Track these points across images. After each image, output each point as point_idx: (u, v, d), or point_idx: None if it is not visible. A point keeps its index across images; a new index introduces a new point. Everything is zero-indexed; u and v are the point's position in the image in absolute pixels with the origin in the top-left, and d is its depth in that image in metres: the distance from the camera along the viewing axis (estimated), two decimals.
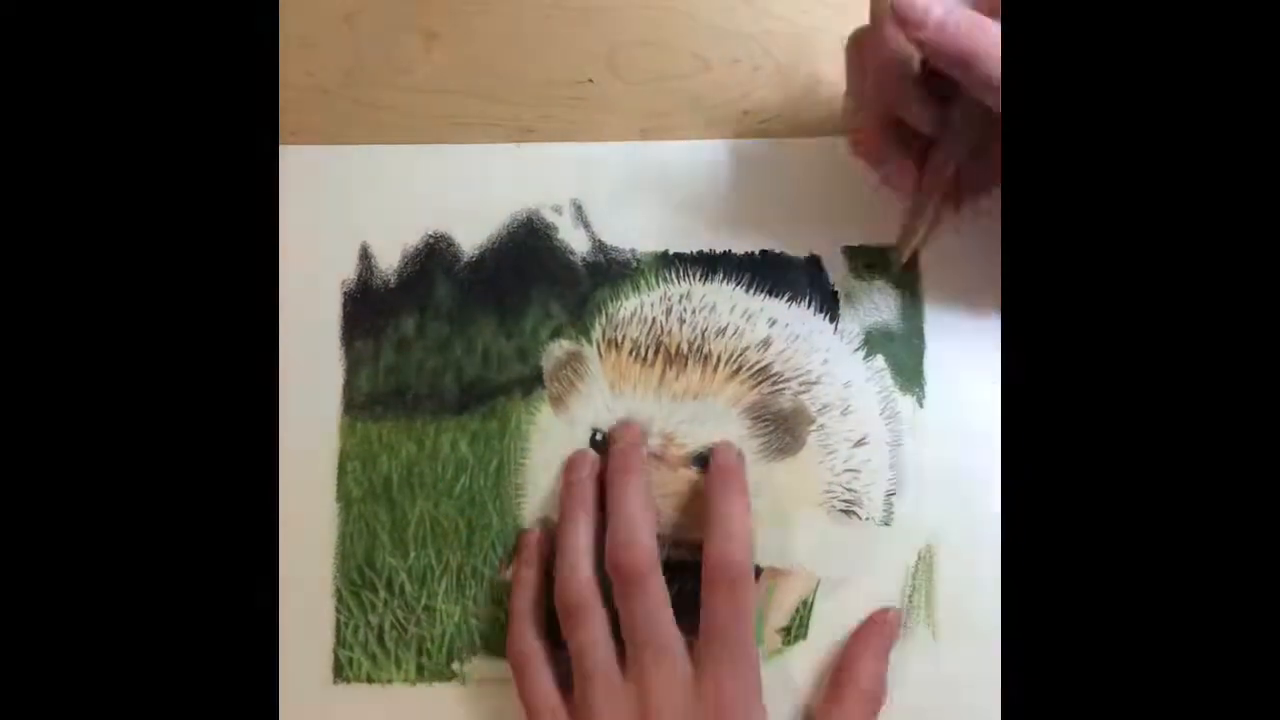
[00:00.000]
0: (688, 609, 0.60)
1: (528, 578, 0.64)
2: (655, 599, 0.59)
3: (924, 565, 0.64)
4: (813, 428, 0.65)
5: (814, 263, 0.67)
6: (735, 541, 0.60)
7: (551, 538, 0.64)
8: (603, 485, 0.64)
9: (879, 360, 0.66)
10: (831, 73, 0.70)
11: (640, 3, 0.71)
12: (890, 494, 0.65)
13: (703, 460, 0.65)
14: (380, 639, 0.65)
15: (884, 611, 0.64)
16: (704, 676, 0.58)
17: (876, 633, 0.64)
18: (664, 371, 0.65)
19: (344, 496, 0.66)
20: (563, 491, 0.64)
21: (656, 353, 0.66)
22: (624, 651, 0.59)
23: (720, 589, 0.59)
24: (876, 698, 0.62)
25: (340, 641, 0.65)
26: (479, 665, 0.64)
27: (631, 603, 0.59)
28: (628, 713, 0.58)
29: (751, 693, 0.59)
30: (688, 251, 0.68)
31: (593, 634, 0.59)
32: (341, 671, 0.64)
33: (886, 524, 0.65)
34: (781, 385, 0.65)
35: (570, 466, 0.65)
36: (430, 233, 0.68)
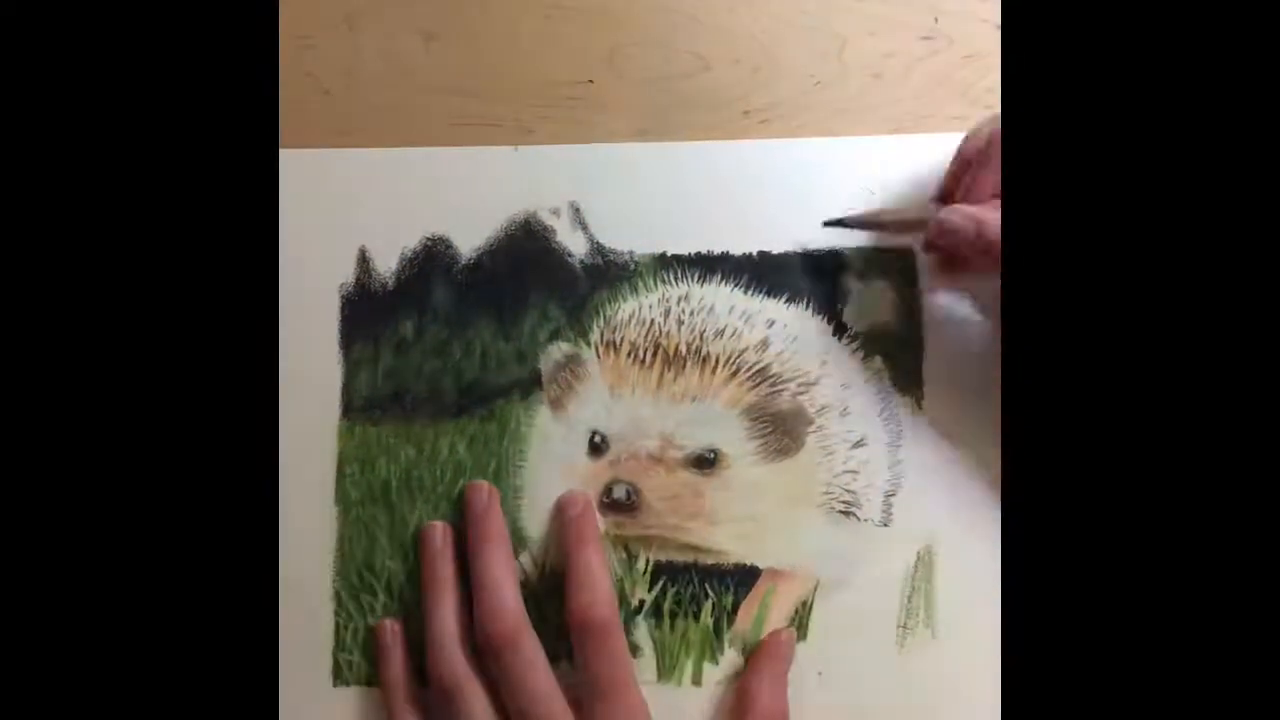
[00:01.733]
0: (685, 613, 0.61)
1: (394, 677, 0.63)
2: (527, 660, 0.59)
3: (923, 566, 0.64)
4: (811, 429, 0.65)
5: (812, 264, 0.67)
6: (596, 594, 0.60)
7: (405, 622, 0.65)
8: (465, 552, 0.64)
9: (877, 361, 0.66)
10: (831, 73, 0.69)
11: (640, 3, 0.71)
12: (889, 495, 0.65)
13: (701, 462, 0.65)
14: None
15: (777, 633, 0.64)
16: None
17: (772, 656, 0.64)
18: (662, 373, 0.65)
19: (343, 500, 0.66)
20: (421, 570, 0.64)
21: (655, 354, 0.66)
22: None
23: (590, 644, 0.59)
24: (780, 718, 0.63)
25: (339, 644, 0.65)
26: None
27: (506, 671, 0.59)
28: None
29: None
30: (685, 253, 0.68)
31: (473, 712, 0.59)
32: (340, 674, 0.65)
33: (885, 525, 0.65)
34: (780, 386, 0.65)
35: (423, 542, 0.65)
36: (428, 235, 0.68)
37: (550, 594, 0.64)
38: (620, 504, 0.64)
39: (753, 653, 0.64)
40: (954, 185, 0.63)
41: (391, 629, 0.64)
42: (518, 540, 0.65)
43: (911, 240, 0.66)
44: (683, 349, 0.66)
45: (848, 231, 0.67)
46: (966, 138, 0.62)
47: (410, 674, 0.63)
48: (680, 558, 0.65)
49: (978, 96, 0.70)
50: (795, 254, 0.67)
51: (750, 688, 0.63)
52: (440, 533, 0.64)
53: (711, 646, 0.64)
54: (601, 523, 0.65)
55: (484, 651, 0.59)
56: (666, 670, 0.64)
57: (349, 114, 0.71)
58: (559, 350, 0.67)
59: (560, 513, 0.64)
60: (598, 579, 0.61)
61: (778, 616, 0.64)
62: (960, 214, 0.60)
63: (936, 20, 0.70)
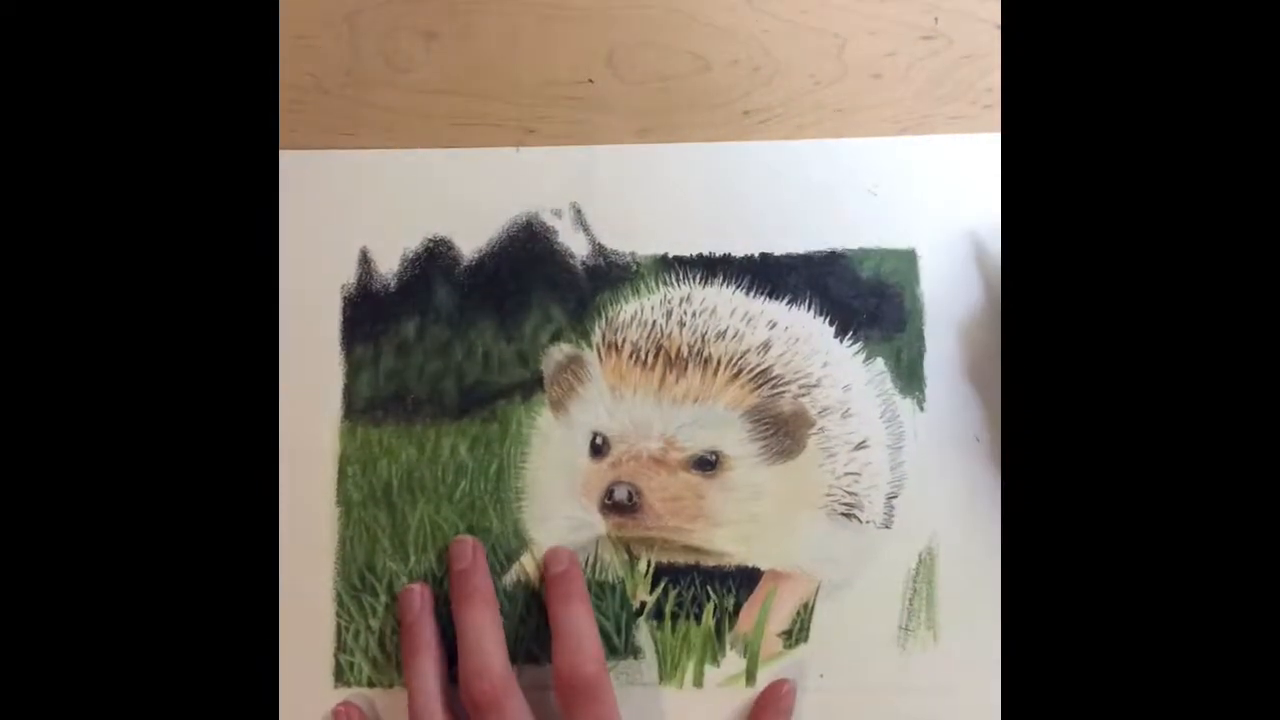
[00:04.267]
0: (687, 615, 0.62)
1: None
2: None
3: (924, 568, 0.64)
4: (813, 431, 0.65)
5: (814, 266, 0.67)
6: (584, 653, 0.59)
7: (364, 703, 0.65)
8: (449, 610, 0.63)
9: (879, 363, 0.66)
10: (831, 72, 0.69)
11: (640, 3, 0.71)
12: (891, 497, 0.65)
13: (703, 463, 0.65)
14: (381, 643, 0.65)
15: (779, 684, 0.64)
16: None
17: (773, 709, 0.63)
18: (664, 375, 0.65)
19: (344, 501, 0.66)
20: (400, 634, 0.64)
21: (656, 356, 0.66)
22: None
23: (579, 703, 0.59)
24: None
25: (341, 646, 0.65)
26: None
27: None
28: None
29: None
30: (687, 255, 0.68)
31: None
32: (342, 675, 0.64)
33: (887, 527, 0.65)
34: (782, 388, 0.65)
35: (401, 607, 0.64)
36: (430, 237, 0.68)
37: None
38: (622, 505, 0.64)
39: (755, 703, 0.64)
40: None
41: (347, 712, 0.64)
42: (519, 542, 0.65)
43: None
44: (684, 350, 0.66)
45: (848, 232, 0.67)
46: None
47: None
48: (682, 559, 0.65)
49: (978, 96, 0.70)
50: (797, 256, 0.67)
51: None
52: (418, 596, 0.64)
53: (713, 648, 0.64)
54: (603, 524, 0.65)
55: (470, 712, 0.59)
56: (668, 672, 0.64)
57: (349, 114, 0.70)
58: (560, 351, 0.67)
59: (545, 569, 0.64)
60: (585, 636, 0.60)
61: (779, 619, 0.64)
62: None
63: (936, 20, 0.70)
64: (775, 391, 0.65)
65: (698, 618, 0.64)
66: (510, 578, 0.65)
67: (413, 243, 0.68)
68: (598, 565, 0.64)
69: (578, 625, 0.60)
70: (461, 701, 0.59)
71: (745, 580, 0.65)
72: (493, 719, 0.58)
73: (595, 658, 0.59)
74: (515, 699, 0.59)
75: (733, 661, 0.64)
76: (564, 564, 0.64)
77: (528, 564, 0.65)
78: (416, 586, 0.64)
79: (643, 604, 0.65)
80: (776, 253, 0.67)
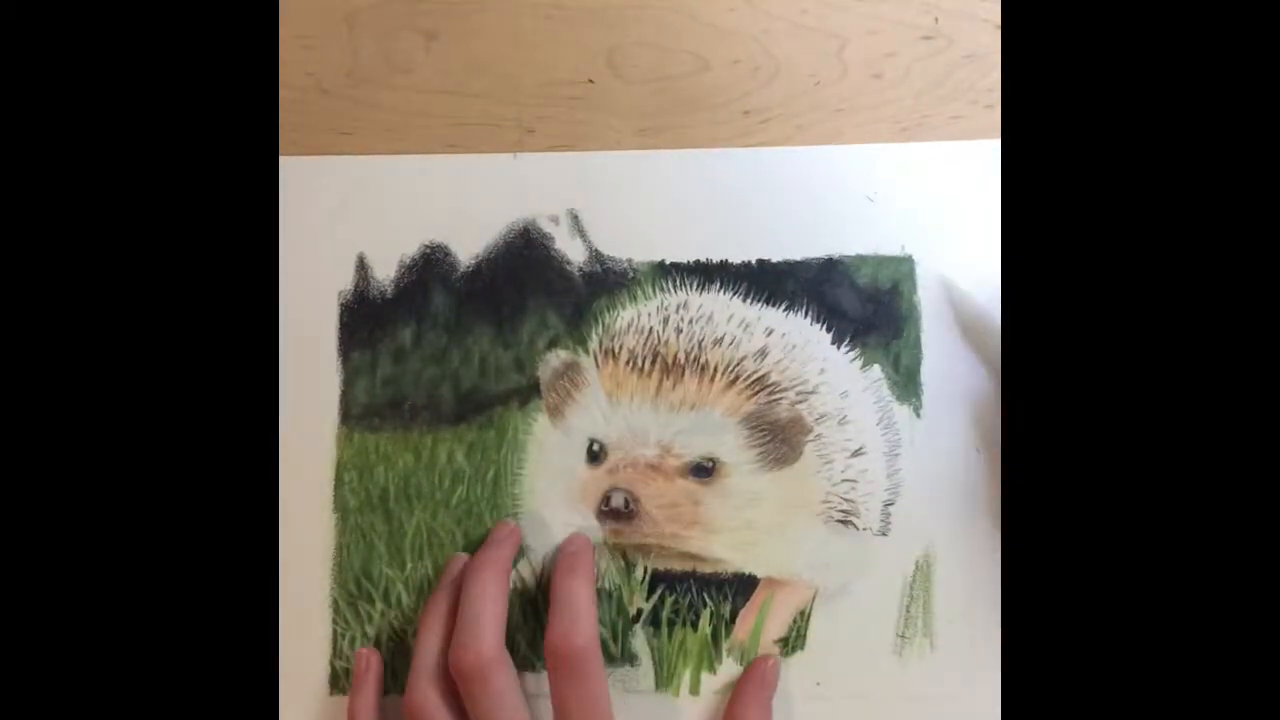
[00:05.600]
0: (683, 622, 0.62)
1: (363, 706, 0.63)
2: (496, 693, 0.58)
3: (921, 575, 0.64)
4: (810, 437, 0.65)
5: (811, 272, 0.67)
6: (579, 624, 0.59)
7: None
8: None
9: (876, 370, 0.66)
10: (832, 72, 0.69)
11: (640, 3, 0.71)
12: (888, 504, 0.65)
13: (700, 470, 0.65)
14: (377, 650, 0.64)
15: (764, 659, 0.64)
16: None
17: (758, 683, 0.63)
18: (661, 381, 0.65)
19: (341, 507, 0.66)
20: (429, 598, 0.64)
21: (653, 362, 0.66)
22: None
23: (564, 675, 0.58)
24: None
25: (337, 652, 0.65)
26: None
27: (474, 703, 0.58)
28: None
29: None
30: (684, 261, 0.67)
31: None
32: (338, 682, 0.65)
33: (884, 534, 0.65)
34: (779, 395, 0.65)
35: (443, 570, 0.65)
36: (427, 243, 0.68)
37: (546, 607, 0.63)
38: (618, 512, 0.64)
39: (740, 679, 0.64)
40: None
41: (368, 659, 0.64)
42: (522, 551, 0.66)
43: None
44: (681, 357, 0.66)
45: (845, 239, 0.67)
46: None
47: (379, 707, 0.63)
48: (678, 566, 0.65)
49: (978, 96, 0.69)
50: (794, 263, 0.67)
51: (737, 716, 0.63)
52: (459, 567, 0.64)
53: (709, 656, 0.64)
54: (600, 531, 0.65)
55: (456, 681, 0.58)
56: (664, 680, 0.64)
57: (349, 114, 0.70)
58: (557, 358, 0.67)
59: (560, 549, 0.64)
60: (580, 610, 0.59)
61: (776, 626, 0.65)
62: None
63: (936, 20, 0.70)
64: (772, 398, 0.65)
65: (694, 625, 0.64)
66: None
67: (410, 249, 0.68)
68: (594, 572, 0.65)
69: (575, 597, 0.60)
70: (450, 670, 0.58)
71: (742, 587, 0.65)
72: (476, 688, 0.58)
73: (587, 632, 0.58)
74: (503, 673, 0.58)
75: (729, 669, 0.64)
76: (577, 544, 0.64)
77: (524, 570, 0.65)
78: (463, 556, 0.65)
79: (639, 611, 0.65)
80: (774, 259, 0.67)
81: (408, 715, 0.59)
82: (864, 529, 0.65)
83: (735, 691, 0.64)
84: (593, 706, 0.58)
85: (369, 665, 0.63)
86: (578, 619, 0.59)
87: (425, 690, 0.59)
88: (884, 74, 0.70)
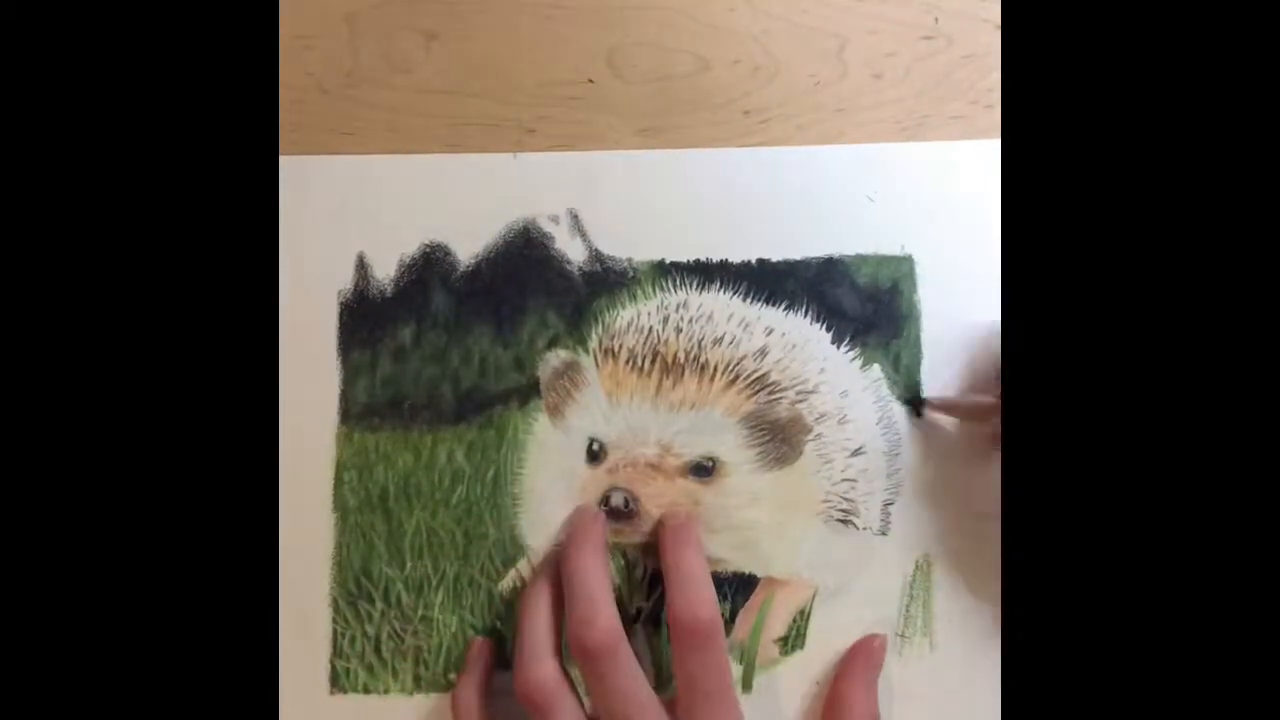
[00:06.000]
0: None
1: (468, 697, 0.63)
2: (625, 672, 0.58)
3: (921, 575, 0.64)
4: (810, 437, 0.65)
5: (811, 272, 0.67)
6: (701, 600, 0.58)
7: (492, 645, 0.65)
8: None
9: (876, 369, 0.66)
10: (832, 72, 0.69)
11: (640, 3, 0.71)
12: (888, 503, 0.65)
13: (700, 470, 0.65)
14: (377, 649, 0.65)
15: (870, 638, 0.64)
16: None
17: (864, 663, 0.64)
18: (661, 381, 0.65)
19: (340, 506, 0.66)
20: (532, 576, 0.64)
21: (653, 362, 0.65)
22: None
23: (694, 650, 0.58)
24: None
25: (337, 652, 0.65)
26: None
27: (602, 682, 0.57)
28: None
29: None
30: (684, 260, 0.67)
31: None
32: (338, 682, 0.64)
33: (884, 534, 0.65)
34: (778, 394, 0.65)
35: (542, 563, 0.65)
36: (427, 242, 0.68)
37: None
38: (619, 512, 0.64)
39: (847, 655, 0.64)
40: None
41: (482, 646, 0.64)
42: (516, 548, 0.65)
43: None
44: (681, 357, 0.65)
45: (845, 239, 0.67)
46: None
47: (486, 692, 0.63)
48: None
49: (978, 96, 0.69)
50: (794, 262, 0.67)
51: (844, 693, 0.63)
52: (555, 558, 0.64)
53: None
54: None
55: (580, 660, 0.58)
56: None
57: (349, 114, 0.70)
58: (557, 357, 0.67)
59: (662, 524, 0.64)
60: (700, 582, 0.59)
61: (776, 625, 0.65)
62: None
63: (936, 20, 0.70)
64: (772, 398, 0.65)
65: None
66: (506, 584, 0.65)
67: (410, 248, 0.68)
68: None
69: (693, 569, 0.60)
70: (572, 650, 0.58)
71: (742, 586, 0.65)
72: (603, 667, 0.57)
73: (711, 603, 0.58)
74: (624, 647, 0.58)
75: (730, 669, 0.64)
76: (681, 518, 0.64)
77: (524, 570, 0.65)
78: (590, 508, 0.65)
79: (639, 610, 0.65)
80: (774, 259, 0.67)
81: (526, 695, 0.58)
82: (864, 528, 0.65)
83: (842, 669, 0.64)
84: (720, 677, 0.58)
85: (481, 652, 0.64)
86: (700, 590, 0.59)
87: (542, 669, 0.59)
88: (884, 74, 0.70)
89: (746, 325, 0.66)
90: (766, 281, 0.67)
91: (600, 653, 0.57)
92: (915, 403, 0.66)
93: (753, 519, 0.64)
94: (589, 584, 0.59)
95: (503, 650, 0.65)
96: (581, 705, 0.59)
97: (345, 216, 0.68)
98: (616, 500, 0.64)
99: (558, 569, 0.62)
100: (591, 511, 0.64)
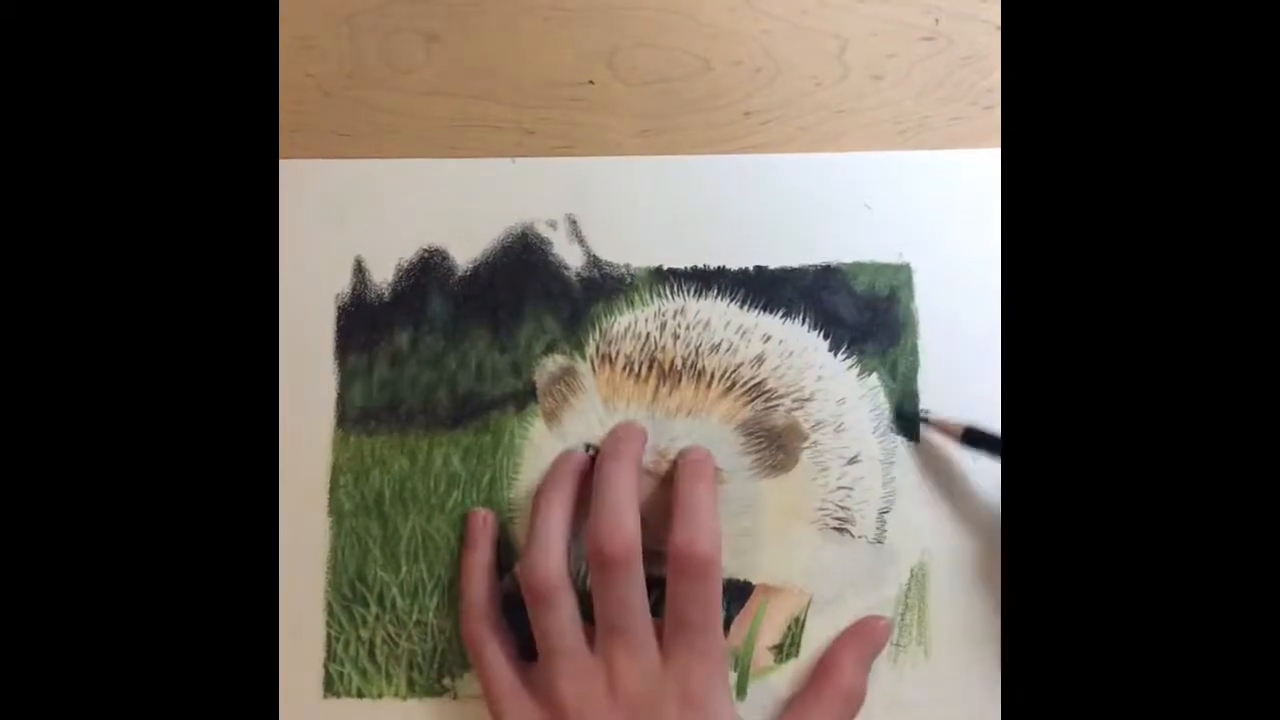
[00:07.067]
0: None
1: (478, 561, 0.64)
2: (633, 587, 0.58)
3: (916, 583, 0.64)
4: (806, 445, 0.65)
5: (808, 279, 0.67)
6: (702, 532, 0.59)
7: (498, 520, 0.65)
8: (585, 481, 0.63)
9: (873, 378, 0.66)
10: (832, 74, 0.69)
11: (640, 3, 0.70)
12: (883, 511, 0.65)
13: None
14: (371, 654, 0.65)
15: (875, 618, 0.64)
16: (671, 665, 0.58)
17: (863, 637, 0.64)
18: (657, 387, 0.65)
19: (336, 510, 0.66)
20: (547, 475, 0.64)
21: (650, 368, 0.65)
22: (593, 629, 0.59)
23: (686, 579, 0.58)
24: (855, 698, 0.62)
25: (331, 656, 0.65)
26: (470, 681, 0.64)
27: (610, 590, 0.58)
28: (593, 693, 0.58)
29: (718, 682, 0.58)
30: (682, 267, 0.68)
31: (561, 619, 0.59)
32: (332, 686, 0.64)
33: (879, 542, 0.65)
34: (775, 402, 0.65)
35: (560, 459, 0.65)
36: (424, 247, 0.68)
37: None
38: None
39: (845, 630, 0.64)
40: None
41: (485, 518, 0.65)
42: (509, 553, 0.65)
43: None
44: (678, 363, 0.65)
45: (843, 246, 0.67)
46: None
47: (493, 568, 0.64)
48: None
49: (978, 98, 0.69)
50: (792, 269, 0.67)
51: (835, 657, 0.63)
52: (578, 458, 0.65)
53: None
54: None
55: (595, 565, 0.58)
56: None
57: (349, 115, 0.70)
58: (554, 363, 0.67)
59: (681, 456, 0.64)
60: (705, 514, 0.60)
61: (770, 632, 0.64)
62: None
63: (937, 21, 0.70)
64: (769, 405, 0.65)
65: None
66: (503, 586, 0.65)
67: (407, 253, 0.68)
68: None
69: (700, 503, 0.60)
70: (588, 553, 0.59)
71: (737, 594, 0.65)
72: (615, 576, 0.58)
73: (713, 539, 0.59)
74: (638, 563, 0.59)
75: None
76: (700, 452, 0.64)
77: (519, 574, 0.65)
78: (582, 454, 0.65)
79: None
80: (771, 266, 0.67)
81: (533, 586, 0.59)
82: (859, 536, 0.65)
83: (836, 640, 0.64)
84: (705, 612, 0.58)
85: (486, 523, 0.65)
86: (703, 525, 0.59)
87: (551, 563, 0.60)
88: (885, 75, 0.70)
89: (744, 332, 0.66)
90: (764, 288, 0.67)
91: (616, 563, 0.58)
92: (910, 423, 0.66)
93: (748, 526, 0.64)
94: (619, 494, 0.60)
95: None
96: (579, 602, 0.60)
97: (343, 220, 0.69)
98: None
99: (578, 476, 0.63)
100: (632, 430, 0.64)
